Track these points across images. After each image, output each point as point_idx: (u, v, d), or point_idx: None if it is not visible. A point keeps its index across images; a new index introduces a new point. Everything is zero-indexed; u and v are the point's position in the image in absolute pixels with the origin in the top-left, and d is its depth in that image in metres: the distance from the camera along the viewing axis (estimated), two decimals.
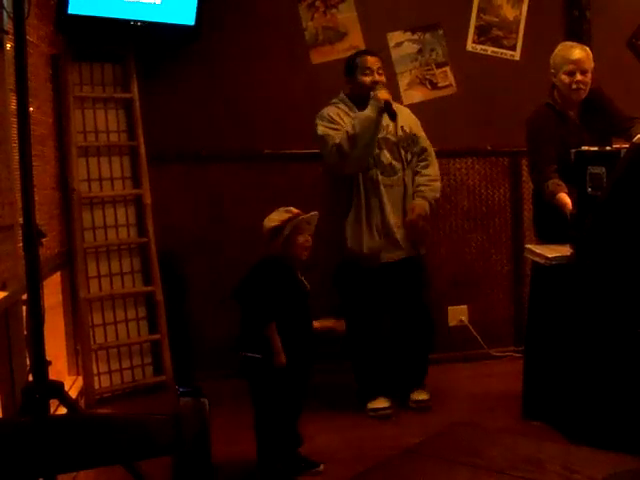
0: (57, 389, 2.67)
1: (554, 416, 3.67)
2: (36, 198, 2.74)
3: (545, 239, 3.88)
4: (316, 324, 3.40)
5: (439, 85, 4.93)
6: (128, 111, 4.51)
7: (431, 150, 4.20)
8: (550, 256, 3.56)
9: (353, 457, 3.47)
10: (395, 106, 4.00)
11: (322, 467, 3.39)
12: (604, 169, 3.37)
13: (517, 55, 4.99)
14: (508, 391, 4.13)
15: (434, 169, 4.19)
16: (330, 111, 4.06)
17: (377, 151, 4.01)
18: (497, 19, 4.97)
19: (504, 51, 4.99)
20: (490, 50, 4.98)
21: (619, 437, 3.13)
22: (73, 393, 3.99)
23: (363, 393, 4.11)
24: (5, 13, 2.90)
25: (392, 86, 4.37)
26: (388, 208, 4.03)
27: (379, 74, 4.05)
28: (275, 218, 3.34)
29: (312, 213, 3.38)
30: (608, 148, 3.60)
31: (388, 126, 4.05)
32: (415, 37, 4.89)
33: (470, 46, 4.95)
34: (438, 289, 4.79)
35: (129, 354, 4.49)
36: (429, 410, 4.09)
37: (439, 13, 4.90)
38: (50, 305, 3.61)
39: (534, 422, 3.75)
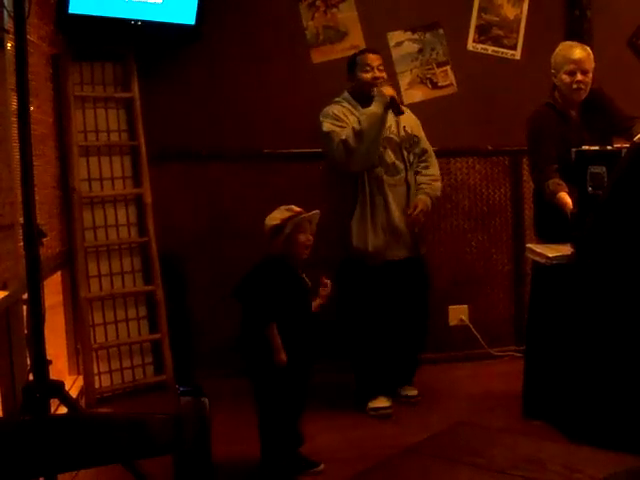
0: (57, 388, 2.67)
1: (555, 415, 3.67)
2: (37, 197, 2.74)
3: (546, 238, 3.87)
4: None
5: (440, 84, 4.93)
6: (129, 110, 4.51)
7: (431, 151, 4.23)
8: (551, 255, 3.56)
9: (354, 456, 3.46)
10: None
11: (322, 467, 3.39)
12: (605, 168, 3.37)
13: (518, 54, 4.99)
14: (509, 390, 4.13)
15: (435, 169, 4.22)
16: (334, 109, 4.07)
17: (381, 150, 4.02)
18: (498, 18, 4.97)
19: (505, 50, 4.98)
20: (491, 49, 4.97)
21: (620, 436, 3.13)
22: (73, 392, 3.99)
23: (363, 392, 4.11)
24: (6, 12, 2.90)
25: (393, 86, 4.36)
26: (392, 207, 4.04)
27: (379, 70, 4.07)
28: (276, 216, 3.34)
29: (313, 212, 3.38)
30: (609, 148, 3.60)
31: (391, 126, 4.07)
32: (416, 36, 4.89)
33: (471, 45, 4.95)
34: (439, 289, 4.78)
35: (129, 353, 4.49)
36: (418, 404, 4.12)
37: (439, 12, 4.90)
38: (50, 304, 3.61)
39: (535, 421, 3.75)
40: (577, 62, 3.78)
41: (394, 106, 3.91)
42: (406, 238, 4.09)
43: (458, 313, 5.00)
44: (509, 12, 4.97)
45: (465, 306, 5.01)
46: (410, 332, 4.18)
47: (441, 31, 4.91)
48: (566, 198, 3.61)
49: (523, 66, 4.94)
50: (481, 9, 4.94)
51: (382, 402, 4.05)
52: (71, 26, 4.11)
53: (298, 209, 3.36)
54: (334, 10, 4.79)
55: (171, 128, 4.62)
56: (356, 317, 4.08)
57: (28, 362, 2.93)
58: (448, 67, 4.93)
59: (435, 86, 4.93)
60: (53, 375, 2.78)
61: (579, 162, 3.53)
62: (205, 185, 4.70)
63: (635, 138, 3.36)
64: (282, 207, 3.38)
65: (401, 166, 4.10)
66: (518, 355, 4.68)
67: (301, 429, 3.41)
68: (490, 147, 4.99)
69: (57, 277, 4.18)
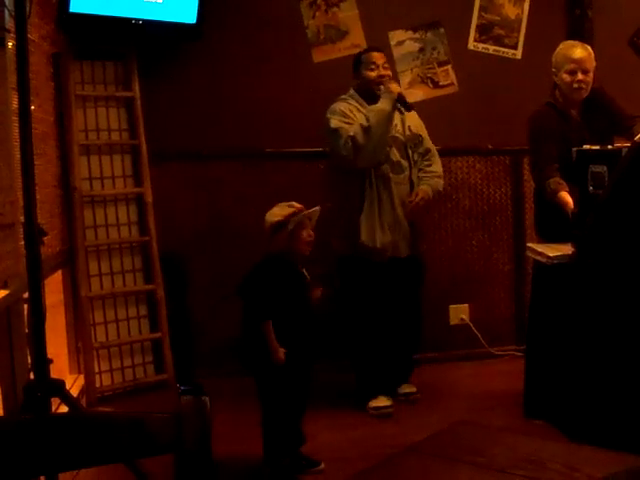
0: (58, 387, 2.67)
1: (555, 415, 3.67)
2: (37, 196, 2.74)
3: (546, 238, 3.87)
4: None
5: (440, 84, 4.93)
6: (129, 109, 4.51)
7: (435, 151, 4.25)
8: (551, 255, 3.56)
9: (354, 456, 3.46)
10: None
11: (323, 466, 3.39)
12: (605, 168, 3.37)
13: (519, 54, 4.99)
14: (509, 390, 4.14)
15: (438, 167, 4.25)
16: (341, 106, 4.08)
17: (387, 148, 4.03)
18: (499, 18, 4.96)
19: (506, 50, 4.98)
20: (492, 49, 4.97)
21: (620, 436, 3.13)
22: (74, 391, 3.99)
23: (364, 392, 4.11)
24: (7, 12, 2.90)
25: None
26: (397, 204, 4.05)
27: (384, 68, 4.10)
28: (278, 213, 3.33)
29: (314, 208, 3.38)
30: (610, 147, 3.60)
31: (397, 125, 4.09)
32: (417, 36, 4.89)
33: (472, 45, 4.95)
34: (439, 288, 4.79)
35: (130, 352, 4.50)
36: (418, 403, 4.12)
37: (440, 12, 4.90)
38: (51, 303, 3.61)
39: (535, 421, 3.76)
40: (578, 61, 3.78)
41: (402, 102, 3.93)
42: (407, 235, 4.10)
43: (459, 312, 5.00)
44: (510, 11, 4.97)
45: (466, 305, 5.01)
46: (406, 329, 4.19)
47: (442, 30, 4.91)
48: (567, 197, 3.61)
49: (524, 65, 4.94)
50: (482, 8, 4.94)
51: (383, 401, 4.05)
52: (72, 25, 4.11)
53: (299, 205, 3.36)
54: (335, 9, 4.79)
55: (172, 127, 4.62)
56: (358, 314, 4.08)
57: (29, 361, 2.93)
58: (449, 66, 4.93)
59: (436, 85, 4.93)
60: (54, 374, 2.78)
61: (580, 161, 3.53)
62: (206, 184, 4.70)
63: (636, 137, 3.35)
64: (282, 203, 3.37)
65: (406, 164, 4.11)
66: (519, 354, 4.68)
67: (302, 428, 3.41)
68: (491, 146, 4.99)
69: (58, 276, 4.18)
